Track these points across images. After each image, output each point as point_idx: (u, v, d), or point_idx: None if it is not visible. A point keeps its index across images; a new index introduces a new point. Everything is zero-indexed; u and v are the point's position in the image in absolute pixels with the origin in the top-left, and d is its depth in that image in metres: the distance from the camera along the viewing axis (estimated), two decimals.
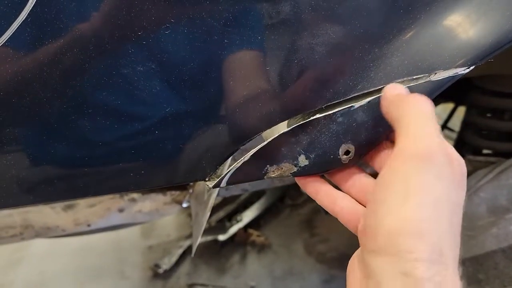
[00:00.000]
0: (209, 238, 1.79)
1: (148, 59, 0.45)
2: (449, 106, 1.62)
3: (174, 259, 1.73)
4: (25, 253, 1.80)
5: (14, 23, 0.41)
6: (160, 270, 1.68)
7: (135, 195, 0.90)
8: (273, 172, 0.50)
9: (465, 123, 1.19)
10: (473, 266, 0.83)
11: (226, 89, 0.48)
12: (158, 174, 0.48)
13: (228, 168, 0.49)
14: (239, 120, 0.49)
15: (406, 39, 0.46)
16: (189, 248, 1.79)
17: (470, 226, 0.83)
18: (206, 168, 0.49)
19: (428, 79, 0.46)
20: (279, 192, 1.99)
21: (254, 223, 1.87)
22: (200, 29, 0.44)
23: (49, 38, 0.42)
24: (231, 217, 1.85)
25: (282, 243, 1.81)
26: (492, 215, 0.81)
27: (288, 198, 2.01)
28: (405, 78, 0.46)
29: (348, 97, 0.47)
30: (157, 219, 1.01)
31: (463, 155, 1.09)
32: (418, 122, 0.38)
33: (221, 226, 1.81)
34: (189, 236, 1.85)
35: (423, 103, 0.39)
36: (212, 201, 0.69)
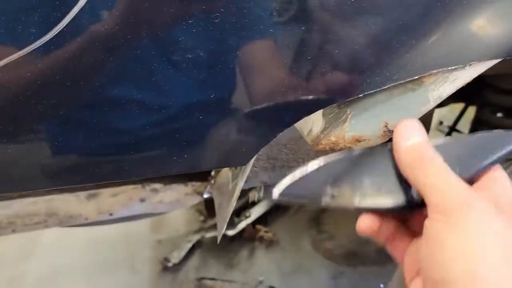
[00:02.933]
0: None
1: (188, 46, 0.46)
2: (457, 107, 1.64)
3: (183, 253, 1.75)
4: (36, 246, 1.81)
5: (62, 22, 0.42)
6: (170, 264, 1.70)
7: (157, 186, 0.91)
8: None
9: (476, 122, 1.20)
10: None
11: (262, 78, 0.50)
12: (202, 158, 0.50)
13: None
14: (275, 109, 0.51)
15: (443, 31, 0.48)
16: (198, 242, 1.81)
17: None
18: (245, 154, 0.51)
19: (463, 70, 0.48)
20: None
21: (262, 220, 1.89)
22: (242, 17, 0.46)
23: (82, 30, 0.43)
24: (240, 212, 1.86)
25: (289, 240, 1.82)
26: None
27: None
28: (440, 69, 0.48)
29: (384, 87, 0.49)
30: (177, 209, 1.03)
31: None
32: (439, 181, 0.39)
33: (229, 221, 1.83)
34: (198, 231, 1.87)
35: (434, 159, 0.40)
36: (238, 192, 0.70)
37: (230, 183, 0.77)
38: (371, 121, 0.51)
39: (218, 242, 0.72)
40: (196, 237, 1.81)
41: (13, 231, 0.89)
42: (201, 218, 1.94)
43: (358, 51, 0.48)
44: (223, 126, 0.49)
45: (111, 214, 0.92)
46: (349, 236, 1.75)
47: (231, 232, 1.78)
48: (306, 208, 1.97)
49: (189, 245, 1.78)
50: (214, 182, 0.89)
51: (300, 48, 0.48)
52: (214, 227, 1.86)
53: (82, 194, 0.88)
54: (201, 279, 1.66)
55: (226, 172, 0.83)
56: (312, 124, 0.54)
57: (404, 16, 0.47)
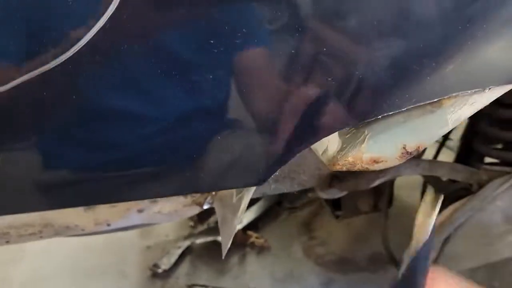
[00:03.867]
0: (209, 239, 1.79)
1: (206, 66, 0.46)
2: None
3: (173, 259, 1.72)
4: (25, 250, 1.77)
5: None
6: (159, 270, 1.68)
7: None
8: None
9: (469, 132, 1.22)
10: (488, 273, 0.85)
11: (279, 98, 0.49)
12: (221, 178, 0.49)
13: None
14: (291, 129, 0.50)
15: (463, 55, 0.48)
16: (188, 248, 1.79)
17: (486, 234, 0.86)
18: (262, 174, 0.50)
19: (482, 93, 0.48)
20: (277, 195, 2.00)
21: (252, 226, 1.88)
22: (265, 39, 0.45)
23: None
24: None
25: (281, 246, 1.82)
26: (508, 223, 0.84)
27: (286, 201, 2.02)
28: (460, 93, 0.48)
29: (403, 109, 0.49)
30: (176, 220, 1.01)
31: (474, 165, 1.11)
32: None
33: None
34: (188, 236, 1.85)
35: None
36: (244, 206, 0.69)
37: (234, 196, 0.76)
38: (389, 142, 0.51)
39: (223, 258, 0.71)
40: (186, 243, 1.79)
41: (7, 242, 0.86)
42: (191, 223, 1.92)
43: (379, 73, 0.48)
44: (242, 146, 0.48)
45: (108, 225, 0.90)
46: (341, 243, 1.75)
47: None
48: (297, 214, 1.97)
49: (179, 251, 1.76)
50: (216, 193, 0.87)
51: (321, 70, 0.47)
52: (204, 233, 1.85)
53: None
54: (191, 285, 1.65)
55: None
56: (328, 143, 0.54)
57: (425, 39, 0.47)
